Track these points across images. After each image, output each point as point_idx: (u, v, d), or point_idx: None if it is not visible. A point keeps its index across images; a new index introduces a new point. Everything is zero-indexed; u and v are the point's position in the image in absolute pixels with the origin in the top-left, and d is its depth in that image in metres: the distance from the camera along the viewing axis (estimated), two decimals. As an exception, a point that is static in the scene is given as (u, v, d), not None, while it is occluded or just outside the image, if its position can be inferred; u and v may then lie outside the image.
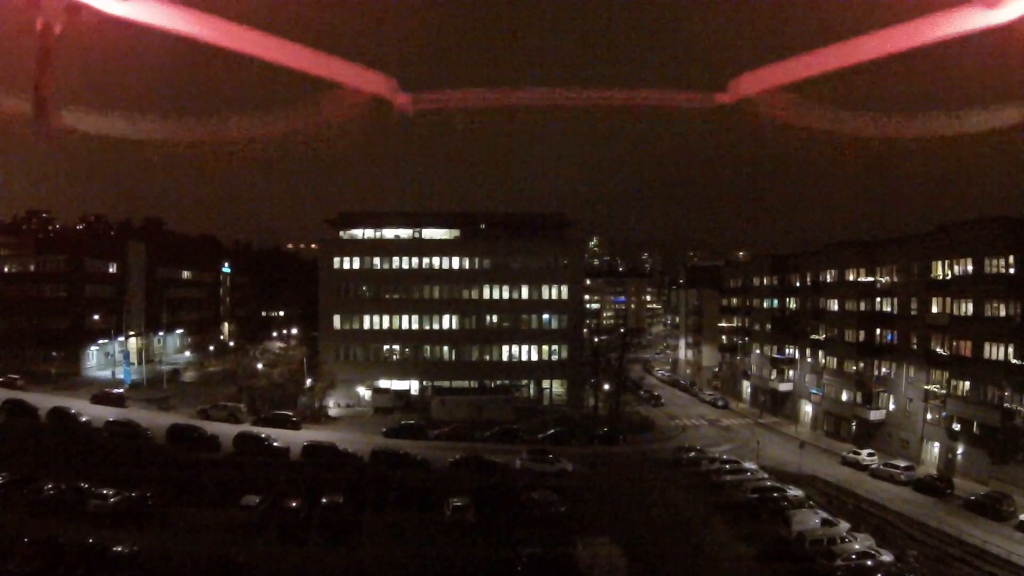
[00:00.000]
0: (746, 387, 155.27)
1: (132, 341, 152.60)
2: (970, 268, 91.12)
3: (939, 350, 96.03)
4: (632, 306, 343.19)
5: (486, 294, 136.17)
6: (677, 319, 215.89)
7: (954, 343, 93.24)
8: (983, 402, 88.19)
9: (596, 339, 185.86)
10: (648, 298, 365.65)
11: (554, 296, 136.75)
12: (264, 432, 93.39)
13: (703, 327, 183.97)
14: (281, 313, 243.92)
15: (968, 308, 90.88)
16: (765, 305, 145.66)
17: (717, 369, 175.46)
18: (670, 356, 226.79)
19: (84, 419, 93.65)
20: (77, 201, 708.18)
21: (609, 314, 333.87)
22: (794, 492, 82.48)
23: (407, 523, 69.69)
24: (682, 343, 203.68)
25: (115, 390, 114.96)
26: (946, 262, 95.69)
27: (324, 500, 70.89)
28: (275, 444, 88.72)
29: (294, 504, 70.22)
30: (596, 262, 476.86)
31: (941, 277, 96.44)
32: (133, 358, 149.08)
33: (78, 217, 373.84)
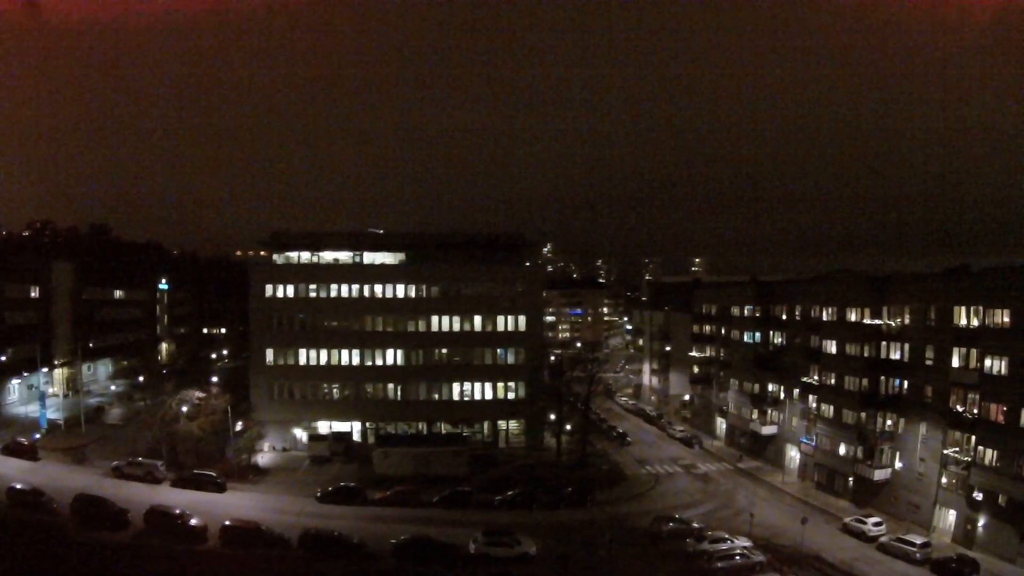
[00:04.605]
0: (721, 424, 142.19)
1: (57, 372, 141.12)
2: (1007, 319, 78.05)
3: (961, 409, 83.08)
4: (589, 318, 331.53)
5: (435, 325, 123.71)
6: (640, 341, 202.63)
7: (982, 404, 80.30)
8: (1016, 475, 75.45)
9: (553, 357, 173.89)
10: (605, 309, 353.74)
11: (511, 327, 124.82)
12: (179, 507, 79.76)
13: (671, 353, 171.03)
14: (224, 331, 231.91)
15: (1002, 367, 77.78)
16: (746, 337, 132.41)
17: (687, 398, 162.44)
18: (632, 379, 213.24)
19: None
20: (30, 204, 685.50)
21: (565, 327, 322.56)
22: (803, 588, 69.66)
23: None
24: (646, 367, 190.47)
25: (30, 437, 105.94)
26: (972, 309, 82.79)
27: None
28: (191, 523, 76.56)
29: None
30: (550, 268, 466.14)
31: (966, 325, 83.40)
32: (59, 389, 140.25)
33: (24, 223, 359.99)
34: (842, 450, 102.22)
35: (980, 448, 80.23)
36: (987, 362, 79.59)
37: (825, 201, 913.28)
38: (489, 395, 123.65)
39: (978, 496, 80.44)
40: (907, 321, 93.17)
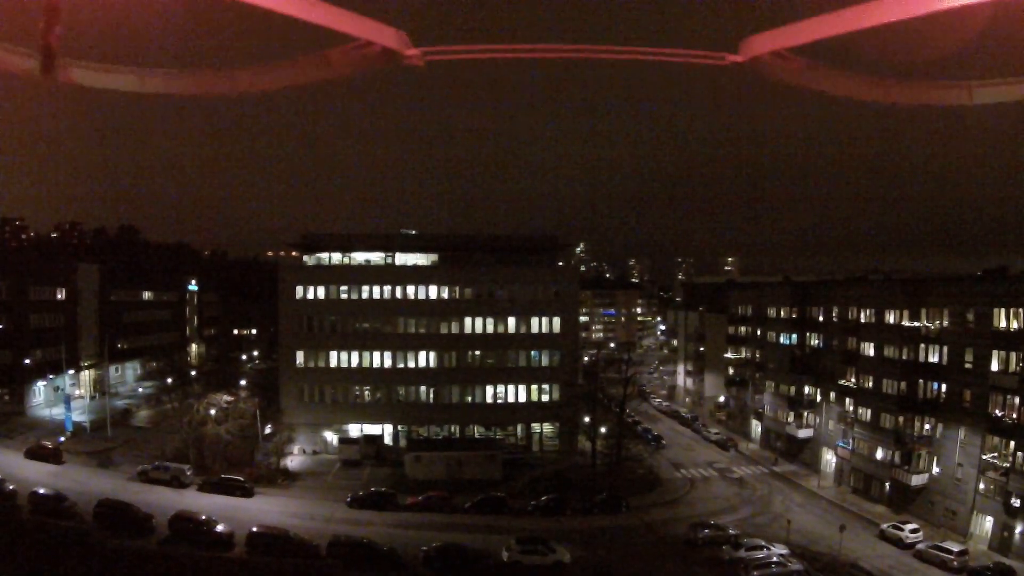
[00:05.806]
0: (756, 427, 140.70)
1: (83, 374, 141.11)
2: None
3: (1000, 414, 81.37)
4: (622, 318, 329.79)
5: (468, 327, 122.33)
6: (674, 342, 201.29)
7: (1021, 409, 78.59)
8: (1060, 482, 73.83)
9: (587, 358, 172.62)
10: (639, 309, 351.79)
11: (545, 329, 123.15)
12: (205, 513, 78.56)
13: (705, 355, 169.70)
14: (253, 332, 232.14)
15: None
16: (781, 339, 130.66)
17: (722, 400, 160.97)
18: (666, 380, 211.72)
19: (10, 487, 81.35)
20: (58, 205, 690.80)
21: (598, 327, 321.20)
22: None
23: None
24: (681, 369, 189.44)
25: (54, 441, 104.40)
26: (1012, 311, 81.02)
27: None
28: (217, 529, 74.93)
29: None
30: (583, 269, 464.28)
31: (1005, 328, 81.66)
32: (85, 392, 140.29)
33: (52, 224, 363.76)
34: (879, 454, 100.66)
35: (1019, 454, 78.60)
36: (1027, 365, 77.92)
37: (853, 202, 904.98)
38: (523, 398, 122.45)
39: (1016, 503, 78.64)
40: (945, 324, 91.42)
